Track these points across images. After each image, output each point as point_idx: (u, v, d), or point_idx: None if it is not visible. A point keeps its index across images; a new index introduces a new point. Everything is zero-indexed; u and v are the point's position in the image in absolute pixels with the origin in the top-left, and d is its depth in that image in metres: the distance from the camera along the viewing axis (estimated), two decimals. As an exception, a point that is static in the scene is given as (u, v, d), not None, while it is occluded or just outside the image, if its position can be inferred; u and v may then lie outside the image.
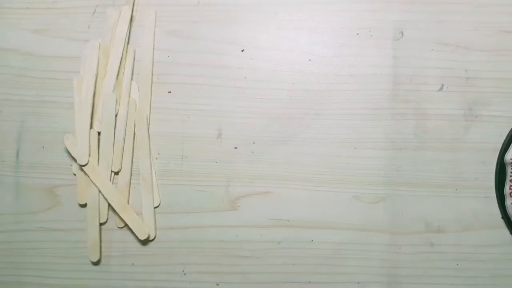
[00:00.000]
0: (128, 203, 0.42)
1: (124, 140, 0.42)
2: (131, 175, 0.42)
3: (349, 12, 0.43)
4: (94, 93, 0.42)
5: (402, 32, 0.43)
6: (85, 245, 0.42)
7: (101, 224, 0.42)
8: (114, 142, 0.42)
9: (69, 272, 0.42)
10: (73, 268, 0.42)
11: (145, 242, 0.42)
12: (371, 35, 0.43)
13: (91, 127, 0.42)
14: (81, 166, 0.42)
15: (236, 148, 0.42)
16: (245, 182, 0.42)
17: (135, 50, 0.44)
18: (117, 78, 0.43)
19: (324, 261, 0.40)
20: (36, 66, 0.44)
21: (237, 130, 0.43)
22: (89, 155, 0.42)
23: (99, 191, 0.42)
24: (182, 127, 0.43)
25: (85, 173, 0.42)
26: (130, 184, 0.42)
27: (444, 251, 0.41)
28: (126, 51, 0.43)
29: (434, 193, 0.41)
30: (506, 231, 0.41)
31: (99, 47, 0.43)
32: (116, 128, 0.42)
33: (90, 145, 0.42)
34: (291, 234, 0.41)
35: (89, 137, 0.42)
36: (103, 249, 0.42)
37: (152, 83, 0.43)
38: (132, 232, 0.41)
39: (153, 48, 0.43)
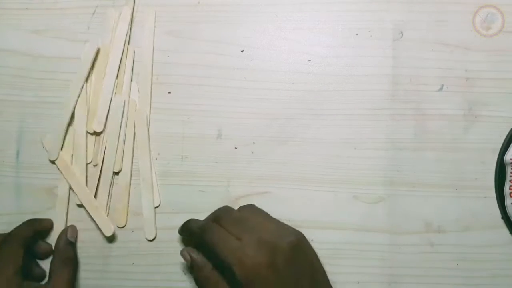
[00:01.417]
0: (128, 203, 0.42)
1: (124, 140, 0.43)
2: (131, 175, 0.42)
3: (349, 12, 0.43)
4: (90, 93, 0.43)
5: (402, 32, 0.43)
6: (85, 244, 0.42)
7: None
8: (118, 143, 0.43)
9: (69, 272, 0.43)
10: (73, 268, 0.42)
11: (110, 238, 0.42)
12: (371, 35, 0.43)
13: (91, 128, 0.42)
14: (52, 162, 0.43)
15: (236, 148, 0.42)
16: (245, 182, 0.42)
17: (134, 51, 0.44)
18: (117, 78, 0.43)
19: (324, 261, 0.40)
20: (36, 67, 0.44)
21: (237, 130, 0.43)
22: (61, 150, 0.42)
23: (70, 187, 0.42)
24: (182, 127, 0.43)
25: (58, 169, 0.42)
26: (130, 184, 0.42)
27: (444, 251, 0.41)
28: (127, 52, 0.43)
29: (434, 193, 0.41)
30: (506, 231, 0.41)
31: (97, 50, 0.43)
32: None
33: (67, 143, 0.43)
34: (291, 234, 0.41)
35: (65, 135, 0.43)
36: (103, 249, 0.42)
37: (152, 83, 0.43)
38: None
39: (153, 49, 0.43)
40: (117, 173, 0.42)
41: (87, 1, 0.44)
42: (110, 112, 0.43)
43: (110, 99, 0.43)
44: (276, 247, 0.34)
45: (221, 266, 0.35)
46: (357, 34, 0.43)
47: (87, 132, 0.43)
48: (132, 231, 0.42)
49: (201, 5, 0.44)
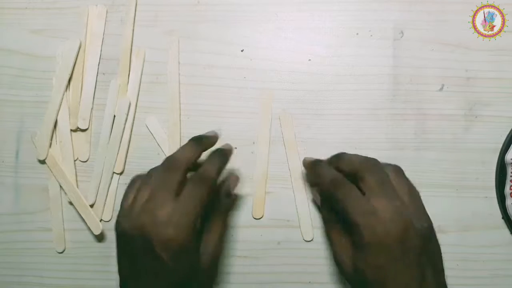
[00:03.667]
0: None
1: (129, 141, 0.43)
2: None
3: (349, 12, 0.43)
4: (71, 91, 0.43)
5: (402, 32, 0.43)
6: (85, 245, 0.42)
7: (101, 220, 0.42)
8: (120, 143, 0.43)
9: (69, 272, 0.42)
10: (73, 268, 0.42)
11: (100, 237, 0.42)
12: (371, 35, 0.43)
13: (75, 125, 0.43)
14: (41, 161, 0.43)
15: (236, 148, 0.42)
16: (245, 182, 0.42)
17: (145, 51, 0.44)
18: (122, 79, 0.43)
19: (324, 261, 0.40)
20: (35, 67, 0.44)
21: (237, 130, 0.43)
22: (49, 149, 0.43)
23: (60, 186, 0.42)
24: (182, 127, 0.43)
25: (49, 168, 0.43)
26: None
27: (444, 251, 0.40)
28: (130, 52, 0.43)
29: (434, 193, 0.41)
30: (506, 231, 0.41)
31: (79, 46, 0.43)
32: (117, 129, 0.43)
33: (56, 141, 0.43)
34: (291, 234, 0.41)
35: (52, 134, 0.43)
36: (103, 250, 0.42)
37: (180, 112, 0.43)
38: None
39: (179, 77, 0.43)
40: (121, 174, 0.42)
41: (87, 1, 0.44)
42: (116, 114, 0.43)
43: (92, 96, 0.43)
44: (411, 226, 0.32)
45: (346, 222, 0.33)
46: (357, 34, 0.43)
47: (71, 130, 0.43)
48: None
49: (201, 5, 0.44)
